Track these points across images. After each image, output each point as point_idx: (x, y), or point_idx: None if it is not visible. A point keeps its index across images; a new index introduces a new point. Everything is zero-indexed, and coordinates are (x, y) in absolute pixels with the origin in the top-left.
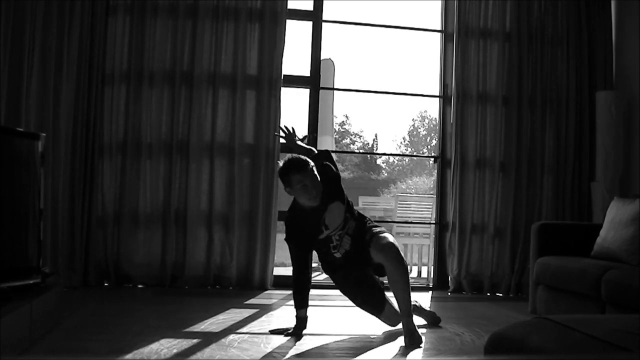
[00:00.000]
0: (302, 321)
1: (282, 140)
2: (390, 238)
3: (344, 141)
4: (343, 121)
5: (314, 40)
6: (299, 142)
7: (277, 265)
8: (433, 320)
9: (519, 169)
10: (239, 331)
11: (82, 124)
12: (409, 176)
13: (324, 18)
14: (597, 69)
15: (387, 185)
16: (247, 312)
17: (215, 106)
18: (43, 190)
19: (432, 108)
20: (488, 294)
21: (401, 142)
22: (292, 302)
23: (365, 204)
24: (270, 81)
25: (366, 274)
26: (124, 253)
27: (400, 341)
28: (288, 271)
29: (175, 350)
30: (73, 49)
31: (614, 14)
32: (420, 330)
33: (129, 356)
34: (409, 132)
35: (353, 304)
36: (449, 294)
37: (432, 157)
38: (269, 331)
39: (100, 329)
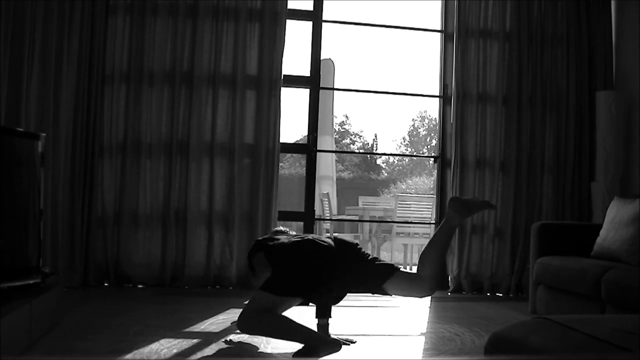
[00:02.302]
0: (323, 328)
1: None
2: None
3: (344, 141)
4: (343, 121)
5: (314, 40)
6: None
7: None
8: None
9: (519, 169)
10: (239, 331)
11: (82, 124)
12: (409, 176)
13: (324, 18)
14: (597, 69)
15: (387, 185)
16: None
17: (215, 106)
18: (43, 190)
19: (432, 108)
20: (488, 294)
21: (401, 142)
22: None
23: (365, 204)
24: (270, 81)
25: None
26: (124, 253)
27: (401, 342)
28: None
29: (175, 350)
30: (73, 49)
31: (614, 14)
32: (420, 331)
33: (129, 356)
34: (409, 132)
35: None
36: (449, 294)
37: (432, 157)
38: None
39: (100, 329)
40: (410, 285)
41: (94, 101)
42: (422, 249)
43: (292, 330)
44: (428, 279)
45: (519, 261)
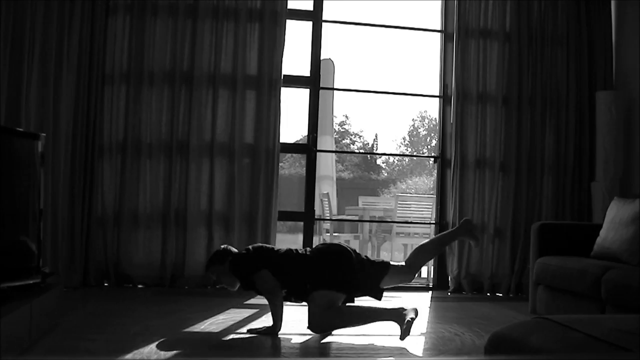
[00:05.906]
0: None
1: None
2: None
3: (344, 141)
4: (343, 121)
5: (314, 40)
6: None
7: None
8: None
9: (519, 169)
10: (239, 331)
11: (82, 124)
12: (409, 176)
13: (324, 18)
14: (597, 69)
15: (387, 185)
16: (247, 312)
17: (215, 106)
18: (43, 190)
19: (432, 108)
20: (488, 294)
21: (401, 142)
22: (289, 303)
23: (365, 204)
24: (270, 81)
25: None
26: (124, 253)
27: (401, 342)
28: None
29: (175, 350)
30: (73, 49)
31: (614, 14)
32: (420, 331)
33: (129, 356)
34: (409, 132)
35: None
36: (449, 294)
37: (432, 157)
38: (247, 330)
39: (100, 329)
40: (399, 277)
41: (94, 101)
42: (423, 244)
43: (365, 314)
44: (415, 270)
45: (519, 261)
